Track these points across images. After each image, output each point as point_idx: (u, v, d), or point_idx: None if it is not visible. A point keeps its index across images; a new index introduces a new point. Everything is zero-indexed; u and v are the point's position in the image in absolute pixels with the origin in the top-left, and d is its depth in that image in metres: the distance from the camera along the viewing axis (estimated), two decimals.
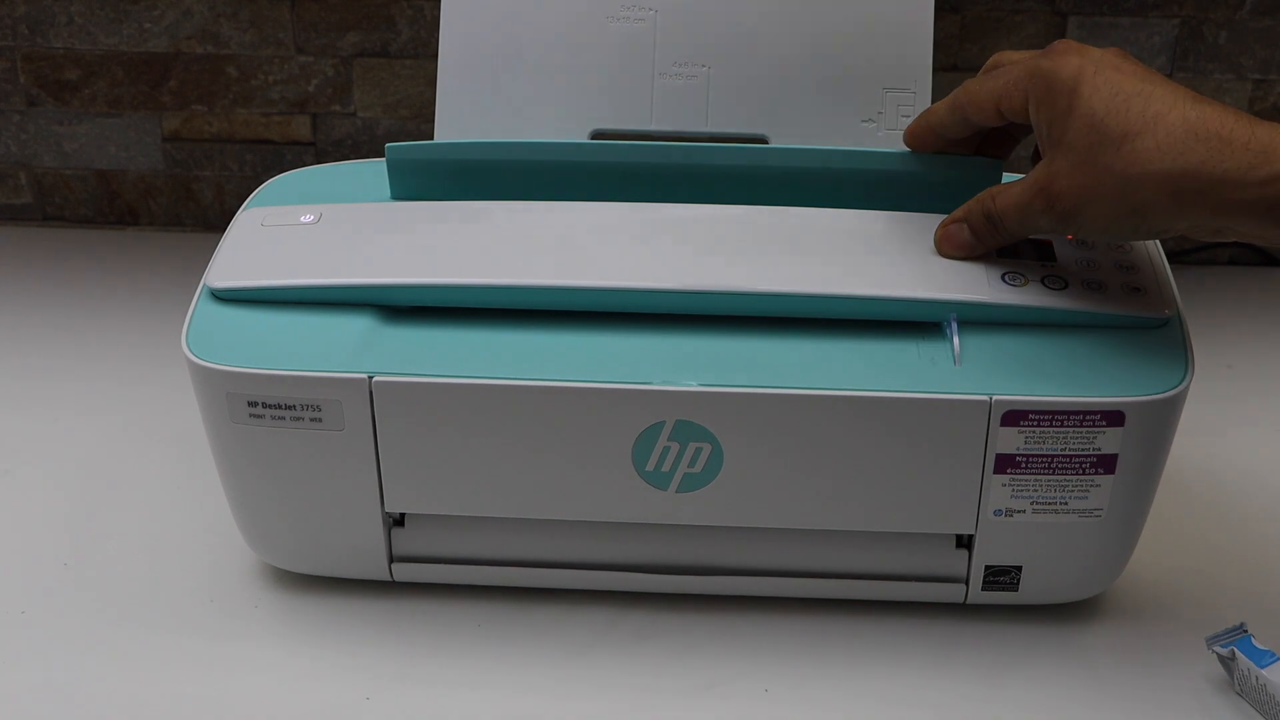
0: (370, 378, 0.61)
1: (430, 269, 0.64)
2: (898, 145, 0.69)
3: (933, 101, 0.71)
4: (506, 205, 0.67)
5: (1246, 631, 0.63)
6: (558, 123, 0.73)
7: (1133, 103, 0.56)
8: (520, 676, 0.64)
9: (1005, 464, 0.61)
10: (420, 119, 0.96)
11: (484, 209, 0.67)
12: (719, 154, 0.67)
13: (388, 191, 0.70)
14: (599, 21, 0.73)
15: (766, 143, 0.72)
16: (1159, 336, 0.62)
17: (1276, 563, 0.72)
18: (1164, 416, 0.61)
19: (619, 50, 0.73)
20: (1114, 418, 0.60)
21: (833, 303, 0.62)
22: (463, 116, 0.73)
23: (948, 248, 0.63)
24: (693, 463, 0.62)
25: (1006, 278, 0.63)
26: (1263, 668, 0.60)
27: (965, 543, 0.65)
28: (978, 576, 0.66)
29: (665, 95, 0.73)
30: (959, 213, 0.63)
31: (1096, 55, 0.58)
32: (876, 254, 0.64)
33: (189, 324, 0.63)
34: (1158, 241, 0.66)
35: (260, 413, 0.62)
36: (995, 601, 0.67)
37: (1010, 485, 0.62)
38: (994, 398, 0.60)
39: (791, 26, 0.72)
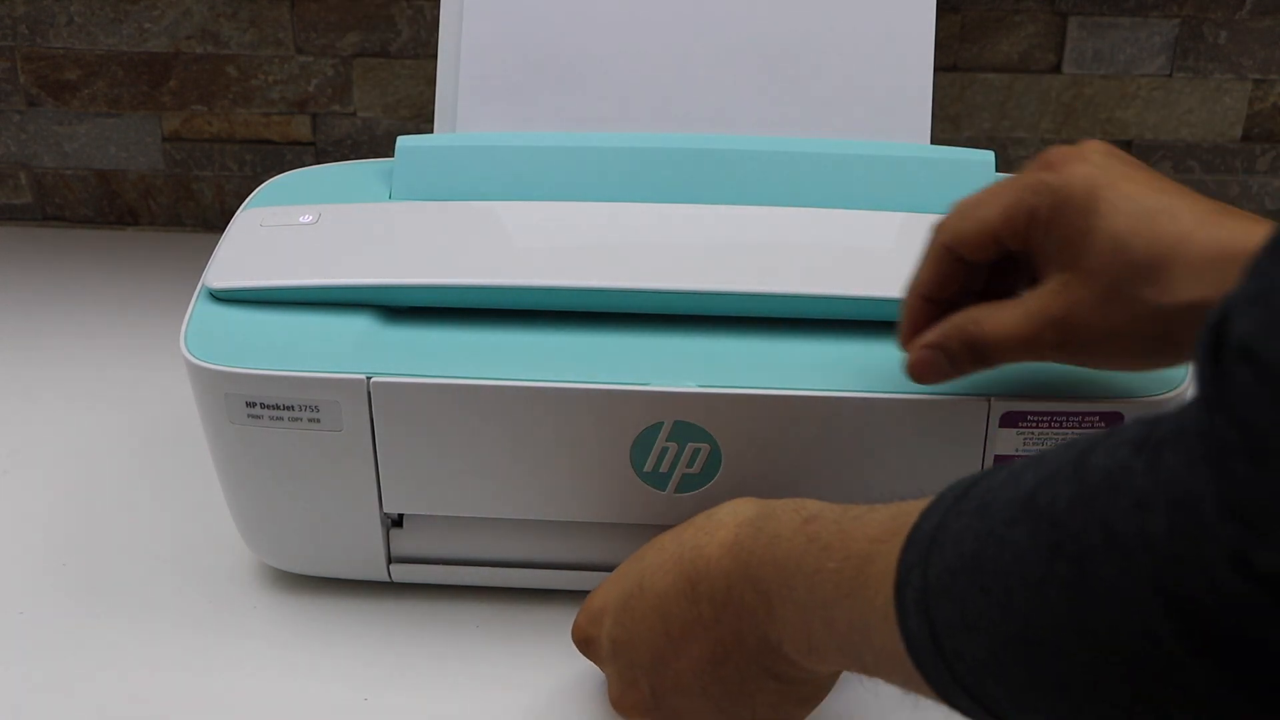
0: (369, 378, 0.61)
1: (429, 269, 0.64)
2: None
3: (931, 102, 0.71)
4: (506, 205, 0.67)
5: None
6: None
7: (1158, 221, 0.50)
8: (520, 676, 0.64)
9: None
10: (420, 119, 0.96)
11: (483, 209, 0.67)
12: (719, 154, 0.68)
13: (387, 192, 0.70)
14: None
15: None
16: None
17: None
18: None
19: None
20: (1112, 419, 0.60)
21: (831, 303, 0.62)
22: (461, 115, 0.74)
23: (924, 377, 0.57)
24: (691, 463, 0.62)
25: None
26: None
27: None
28: None
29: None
30: (933, 336, 0.56)
31: (1098, 160, 0.52)
32: (876, 254, 0.64)
33: (187, 324, 0.63)
34: None
35: (259, 413, 0.62)
36: None
37: None
38: (992, 399, 0.60)
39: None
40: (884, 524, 0.45)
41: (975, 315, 0.55)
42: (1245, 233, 0.50)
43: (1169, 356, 0.53)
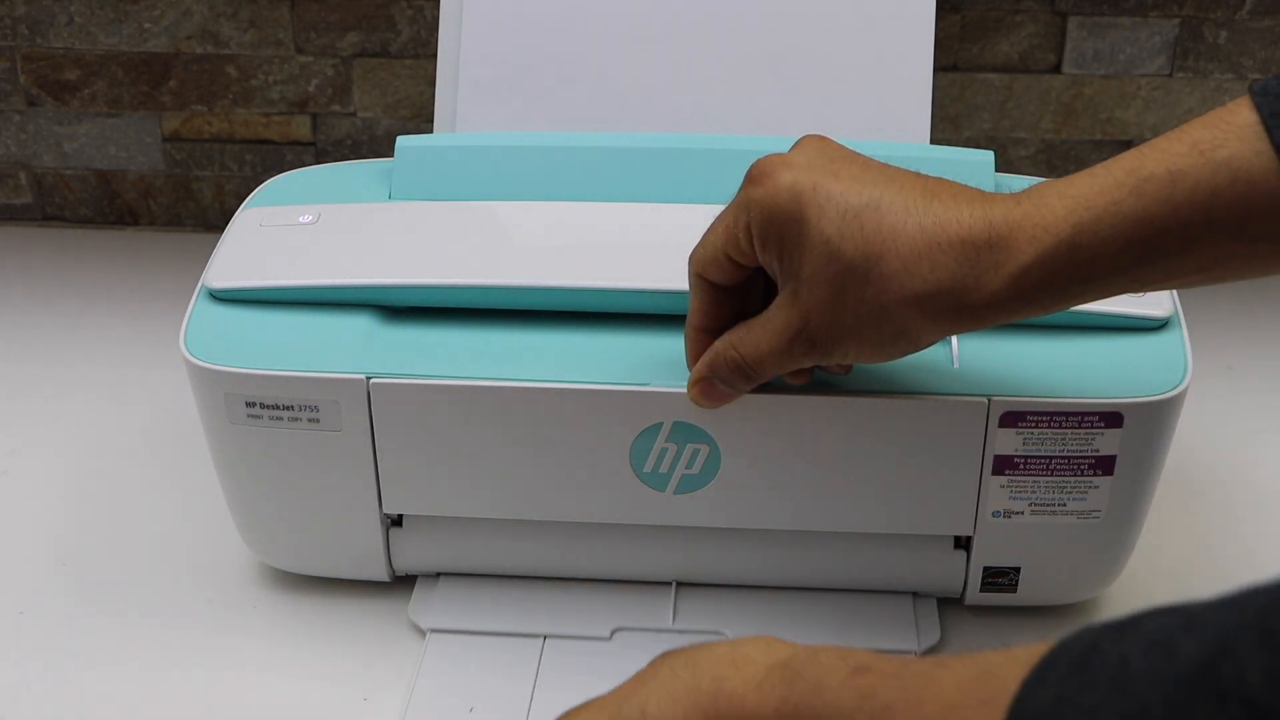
0: (368, 378, 0.61)
1: (429, 269, 0.64)
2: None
3: (931, 102, 0.71)
4: (506, 205, 0.67)
5: None
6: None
7: (864, 219, 0.50)
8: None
9: (1003, 465, 0.61)
10: (420, 119, 0.96)
11: (483, 209, 0.67)
12: (719, 154, 0.68)
13: (387, 192, 0.70)
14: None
15: None
16: (1158, 337, 0.62)
17: (1276, 563, 0.72)
18: (1162, 418, 0.60)
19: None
20: (1112, 419, 0.60)
21: None
22: (461, 114, 0.74)
23: (710, 403, 0.59)
24: (690, 464, 0.62)
25: None
26: None
27: (963, 544, 0.65)
28: (976, 578, 0.66)
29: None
30: (703, 368, 0.57)
31: (803, 162, 0.52)
32: None
33: (187, 324, 0.63)
34: None
35: (258, 413, 0.62)
36: (994, 603, 0.67)
37: (1008, 486, 0.62)
38: (992, 399, 0.60)
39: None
40: (966, 687, 0.38)
41: (733, 340, 0.56)
42: (953, 217, 0.50)
43: (911, 345, 0.53)
